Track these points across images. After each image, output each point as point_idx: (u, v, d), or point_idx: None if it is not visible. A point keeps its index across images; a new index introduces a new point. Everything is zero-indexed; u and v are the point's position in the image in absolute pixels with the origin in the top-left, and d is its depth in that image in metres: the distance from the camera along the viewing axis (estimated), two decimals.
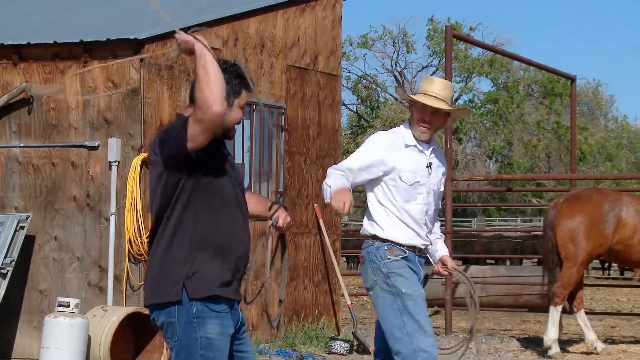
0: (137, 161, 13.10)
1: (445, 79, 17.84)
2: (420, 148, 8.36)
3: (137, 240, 13.12)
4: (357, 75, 55.79)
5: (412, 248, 8.36)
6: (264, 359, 13.97)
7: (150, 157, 6.47)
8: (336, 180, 8.21)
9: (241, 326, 6.46)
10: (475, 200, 46.45)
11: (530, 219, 45.99)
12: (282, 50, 15.61)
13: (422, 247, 8.47)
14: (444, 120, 8.53)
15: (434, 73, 53.77)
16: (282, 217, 6.67)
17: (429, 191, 8.42)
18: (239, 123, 6.53)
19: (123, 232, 13.17)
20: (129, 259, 13.17)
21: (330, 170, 8.45)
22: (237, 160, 15.01)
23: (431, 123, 8.34)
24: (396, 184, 8.31)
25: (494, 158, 57.34)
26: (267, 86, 15.26)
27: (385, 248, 8.33)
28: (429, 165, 8.42)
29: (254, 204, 6.78)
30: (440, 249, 8.77)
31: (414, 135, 8.32)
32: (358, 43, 55.26)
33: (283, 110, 15.51)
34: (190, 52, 6.05)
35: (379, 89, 56.91)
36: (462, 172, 44.52)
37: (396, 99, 55.57)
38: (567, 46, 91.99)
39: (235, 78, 6.36)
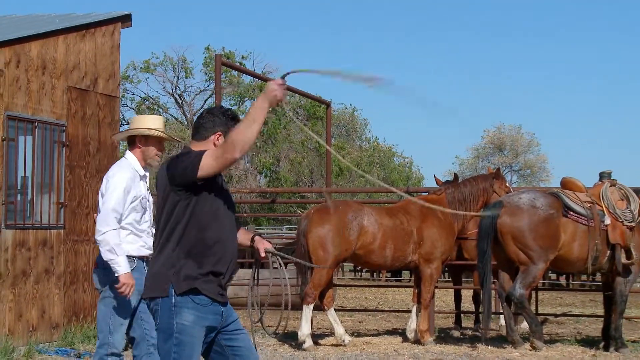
0: None
1: (215, 103, 17.85)
2: (143, 173, 8.93)
3: None
4: (140, 97, 55.35)
5: (141, 258, 8.86)
6: (42, 358, 13.56)
7: (158, 180, 6.77)
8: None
9: (229, 324, 6.78)
10: (247, 211, 47.05)
11: (295, 227, 46.95)
12: (63, 73, 15.19)
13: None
14: (159, 147, 9.03)
15: (210, 97, 54.52)
16: (261, 248, 7.11)
17: (146, 208, 9.03)
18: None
19: None
20: None
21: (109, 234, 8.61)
22: (20, 173, 14.69)
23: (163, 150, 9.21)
24: (135, 206, 8.76)
25: (263, 173, 57.99)
26: (49, 105, 14.85)
27: None
28: (147, 191, 9.12)
29: (240, 234, 7.10)
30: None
31: (140, 166, 8.83)
32: (141, 67, 54.73)
33: (64, 128, 15.07)
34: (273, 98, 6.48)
35: (160, 110, 56.10)
36: (235, 186, 45.21)
37: (176, 119, 55.90)
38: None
39: (232, 120, 6.85)
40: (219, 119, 6.93)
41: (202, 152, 6.49)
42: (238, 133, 6.37)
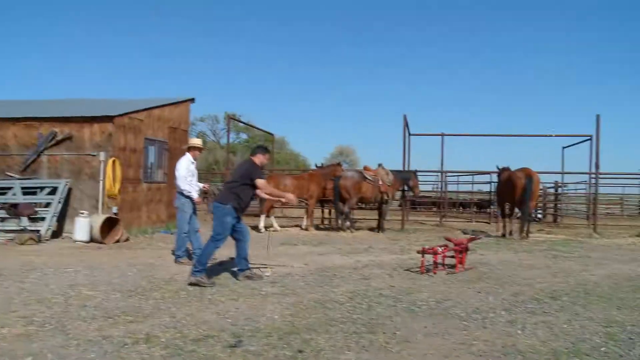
0: (110, 161, 12.81)
1: (227, 136, 18.59)
2: (193, 161, 8.93)
3: (110, 190, 12.88)
4: (198, 131, 54.93)
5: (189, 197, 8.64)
6: (158, 235, 13.69)
7: (242, 168, 7.21)
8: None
9: (239, 222, 7.19)
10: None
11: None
12: (167, 121, 15.44)
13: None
14: (200, 151, 8.92)
15: (222, 130, 53.80)
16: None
17: (194, 174, 8.89)
18: (264, 164, 7.32)
19: (104, 187, 12.89)
20: (107, 197, 12.89)
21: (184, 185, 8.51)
22: (149, 161, 14.52)
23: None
24: (191, 174, 8.86)
25: None
26: (161, 134, 15.08)
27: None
28: (195, 168, 8.88)
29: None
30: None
31: (192, 158, 8.89)
32: (200, 118, 54.78)
33: (167, 143, 15.30)
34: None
35: (207, 136, 55.41)
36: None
37: (213, 141, 54.70)
38: (291, 121, 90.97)
39: (265, 151, 7.42)
40: (261, 149, 7.48)
41: (259, 170, 7.13)
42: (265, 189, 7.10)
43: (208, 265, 7.43)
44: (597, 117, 17.11)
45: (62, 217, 12.98)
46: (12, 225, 12.24)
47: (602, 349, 4.92)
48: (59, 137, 13.35)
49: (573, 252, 11.59)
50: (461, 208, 28.02)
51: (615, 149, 71.94)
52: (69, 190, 13.18)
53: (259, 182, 7.07)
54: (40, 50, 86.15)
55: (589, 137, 19.28)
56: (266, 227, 15.42)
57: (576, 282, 7.97)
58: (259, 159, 7.38)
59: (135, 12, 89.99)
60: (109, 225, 12.45)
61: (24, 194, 12.91)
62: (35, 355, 4.50)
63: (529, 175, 13.93)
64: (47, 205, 12.77)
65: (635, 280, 8.24)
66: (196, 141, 8.98)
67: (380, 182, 15.43)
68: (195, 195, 8.73)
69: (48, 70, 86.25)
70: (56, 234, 12.76)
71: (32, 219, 12.40)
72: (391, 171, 16.00)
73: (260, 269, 8.29)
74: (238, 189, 7.11)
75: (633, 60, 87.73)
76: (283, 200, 7.48)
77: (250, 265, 7.82)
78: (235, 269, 7.72)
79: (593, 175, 17.65)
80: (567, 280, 8.12)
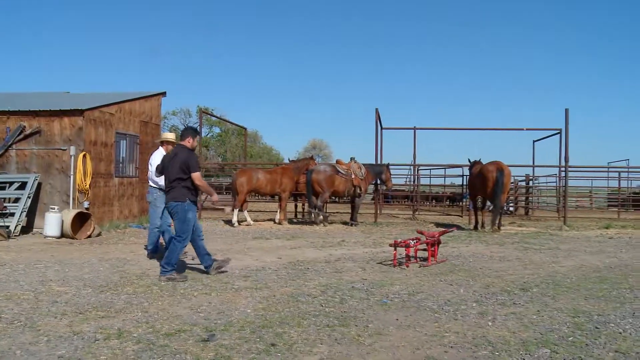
0: (80, 155, 12.72)
1: (199, 128, 18.75)
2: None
3: (81, 184, 12.76)
4: (171, 124, 54.91)
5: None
6: (130, 229, 13.79)
7: (179, 160, 6.90)
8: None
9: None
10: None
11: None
12: (139, 114, 15.33)
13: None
14: (173, 145, 8.60)
15: (195, 124, 53.43)
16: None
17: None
18: (195, 147, 7.18)
19: (75, 181, 12.75)
20: (77, 191, 12.77)
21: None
22: (121, 155, 14.49)
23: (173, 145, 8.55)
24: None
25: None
26: (133, 128, 14.93)
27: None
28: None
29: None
30: None
31: (165, 152, 8.55)
32: (172, 112, 54.60)
33: (139, 137, 15.26)
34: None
35: (179, 131, 55.89)
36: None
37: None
38: (264, 115, 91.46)
39: (195, 133, 7.22)
40: (190, 132, 7.29)
41: (195, 157, 6.93)
42: (200, 182, 6.85)
43: (179, 262, 7.61)
44: (566, 111, 17.40)
45: (32, 213, 12.85)
46: None
47: (570, 338, 5.00)
48: (28, 131, 13.16)
49: (543, 245, 11.77)
50: (434, 201, 28.33)
51: (585, 142, 73.39)
52: (39, 185, 13.00)
53: (194, 175, 6.91)
54: (8, 44, 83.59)
55: (558, 131, 19.59)
56: (239, 222, 15.51)
57: (546, 274, 8.09)
58: (189, 142, 7.19)
59: (105, 5, 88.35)
60: (81, 220, 12.31)
61: None
62: (3, 353, 4.42)
63: (500, 168, 13.96)
64: (16, 200, 12.65)
65: (603, 271, 8.45)
66: (169, 135, 8.87)
67: (353, 176, 15.42)
68: None
69: (16, 63, 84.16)
70: (26, 229, 12.63)
71: (1, 214, 12.28)
72: (364, 165, 16.06)
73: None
74: (187, 182, 6.99)
75: (602, 56, 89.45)
76: (212, 198, 7.42)
77: (214, 257, 7.88)
78: (203, 267, 7.73)
79: (563, 169, 17.95)
80: (537, 272, 8.24)
